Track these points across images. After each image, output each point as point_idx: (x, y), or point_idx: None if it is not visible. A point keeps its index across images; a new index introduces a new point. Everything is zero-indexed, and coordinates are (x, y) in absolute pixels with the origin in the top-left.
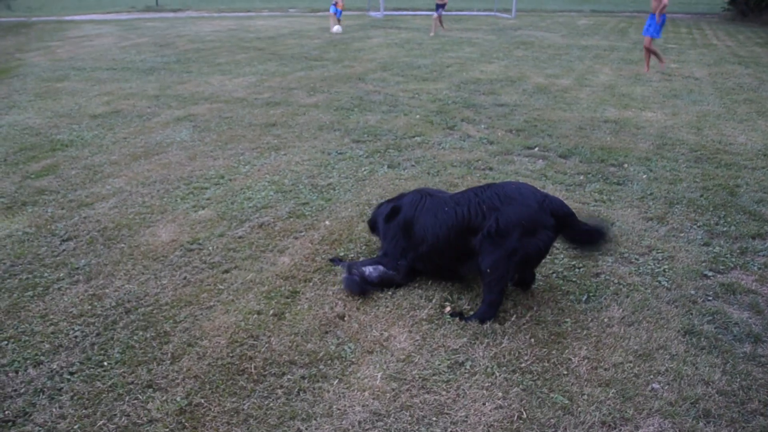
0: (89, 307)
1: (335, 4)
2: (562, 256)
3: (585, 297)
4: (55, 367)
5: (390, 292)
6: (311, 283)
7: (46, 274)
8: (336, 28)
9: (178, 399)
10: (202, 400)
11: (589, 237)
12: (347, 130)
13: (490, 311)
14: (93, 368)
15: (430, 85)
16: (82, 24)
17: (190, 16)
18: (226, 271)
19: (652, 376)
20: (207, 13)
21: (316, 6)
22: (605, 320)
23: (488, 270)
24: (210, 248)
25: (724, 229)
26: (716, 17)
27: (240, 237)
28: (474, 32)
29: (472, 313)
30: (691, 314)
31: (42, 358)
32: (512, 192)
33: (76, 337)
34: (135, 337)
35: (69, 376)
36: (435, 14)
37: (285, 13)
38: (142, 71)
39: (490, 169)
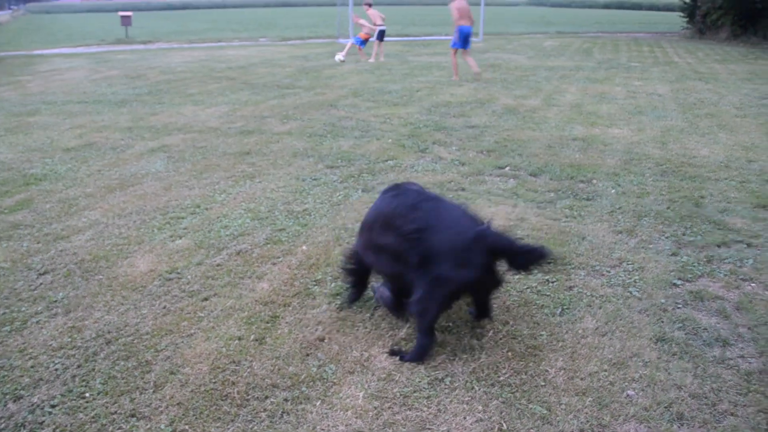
0: (69, 340)
1: (359, 36)
2: (535, 271)
3: (559, 310)
4: (35, 400)
5: (368, 314)
6: (290, 308)
7: (23, 308)
8: (338, 57)
9: (162, 427)
10: (187, 427)
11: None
12: (321, 156)
13: (419, 353)
14: (75, 400)
15: (401, 110)
16: (51, 58)
17: (161, 47)
18: (206, 299)
19: (626, 383)
20: (177, 44)
21: (286, 35)
22: (580, 331)
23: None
24: (188, 277)
25: (691, 239)
26: (676, 36)
27: (218, 265)
28: (443, 56)
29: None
30: (662, 322)
31: (22, 392)
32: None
33: (56, 369)
34: (116, 368)
35: (50, 409)
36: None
37: (255, 42)
38: (114, 103)
39: (463, 189)
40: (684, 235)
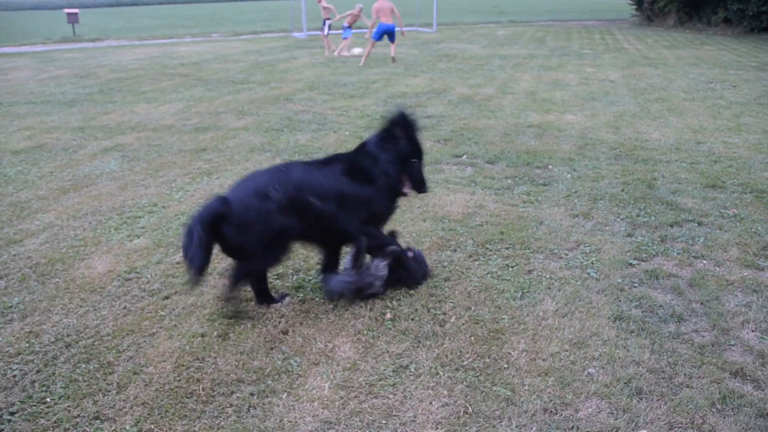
0: (26, 345)
1: (348, 27)
2: (495, 257)
3: (520, 294)
4: None
5: (331, 305)
6: (253, 302)
7: None
8: (356, 50)
9: (128, 427)
10: (152, 426)
11: None
12: (278, 150)
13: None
14: (35, 406)
15: (358, 102)
16: None
17: (110, 45)
18: (167, 297)
19: (587, 362)
20: (128, 41)
21: (239, 30)
22: (540, 314)
23: None
24: (148, 276)
25: (645, 219)
26: (625, 23)
27: (178, 263)
28: (397, 48)
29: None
30: (620, 301)
31: None
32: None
33: (14, 376)
34: (77, 371)
35: (9, 416)
36: (323, 33)
37: (208, 38)
38: (64, 104)
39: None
40: (638, 216)
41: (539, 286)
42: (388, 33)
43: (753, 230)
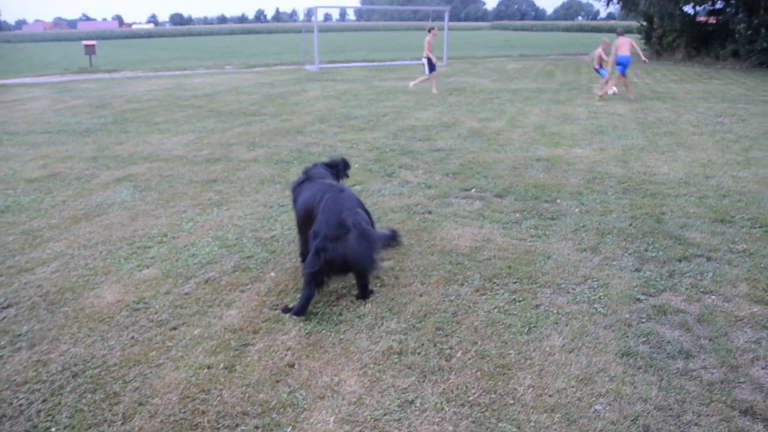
0: (34, 374)
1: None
2: (502, 291)
3: (527, 328)
4: None
5: (338, 337)
6: (260, 334)
7: None
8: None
9: None
10: None
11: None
12: (288, 182)
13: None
14: None
15: (368, 135)
16: (13, 88)
17: (126, 76)
18: (174, 328)
19: (594, 399)
20: (142, 72)
21: (251, 62)
22: (547, 349)
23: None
24: (156, 306)
25: (653, 254)
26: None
27: (186, 293)
28: (408, 81)
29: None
30: (627, 337)
31: None
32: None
33: (20, 405)
34: (83, 401)
35: None
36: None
37: (221, 70)
38: (79, 133)
39: (429, 212)
40: (646, 251)
41: (546, 321)
42: (624, 65)
43: (763, 265)
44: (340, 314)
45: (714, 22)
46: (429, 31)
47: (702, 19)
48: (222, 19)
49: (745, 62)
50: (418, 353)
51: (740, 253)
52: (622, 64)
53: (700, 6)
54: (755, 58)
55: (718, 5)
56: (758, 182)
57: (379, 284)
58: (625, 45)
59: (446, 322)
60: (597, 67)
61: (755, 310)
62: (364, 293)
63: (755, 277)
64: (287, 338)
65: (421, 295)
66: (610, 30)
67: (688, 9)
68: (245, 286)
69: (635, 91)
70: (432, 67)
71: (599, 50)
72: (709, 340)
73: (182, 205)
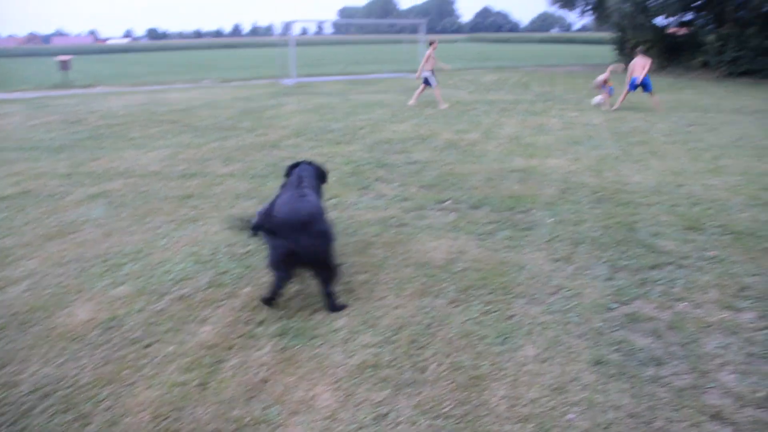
0: (2, 396)
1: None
2: (476, 303)
3: (501, 339)
4: None
5: (314, 351)
6: (234, 350)
7: None
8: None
9: None
10: None
11: None
12: (263, 197)
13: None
14: None
15: (344, 148)
16: None
17: (101, 91)
18: (148, 346)
19: (567, 407)
20: (118, 87)
21: (228, 76)
22: (521, 359)
23: None
24: (130, 324)
25: (626, 263)
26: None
27: (160, 310)
28: (384, 94)
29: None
30: (600, 345)
31: None
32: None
33: None
34: (54, 422)
35: None
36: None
37: (197, 84)
38: (53, 149)
39: (405, 225)
40: (619, 259)
41: (520, 332)
42: (641, 85)
43: (732, 272)
44: (315, 329)
45: (684, 33)
46: (430, 44)
47: (672, 30)
48: (198, 34)
49: (714, 72)
50: (393, 366)
51: (710, 260)
52: (642, 85)
53: (670, 18)
54: (724, 68)
55: (688, 17)
56: (727, 190)
57: (353, 298)
58: (640, 65)
59: (421, 335)
60: (604, 87)
61: (724, 315)
62: (331, 303)
63: (725, 283)
64: (261, 354)
65: (395, 308)
66: (584, 41)
67: (659, 20)
68: (220, 302)
69: (609, 101)
70: (430, 81)
71: (604, 76)
72: (680, 346)
73: (157, 221)
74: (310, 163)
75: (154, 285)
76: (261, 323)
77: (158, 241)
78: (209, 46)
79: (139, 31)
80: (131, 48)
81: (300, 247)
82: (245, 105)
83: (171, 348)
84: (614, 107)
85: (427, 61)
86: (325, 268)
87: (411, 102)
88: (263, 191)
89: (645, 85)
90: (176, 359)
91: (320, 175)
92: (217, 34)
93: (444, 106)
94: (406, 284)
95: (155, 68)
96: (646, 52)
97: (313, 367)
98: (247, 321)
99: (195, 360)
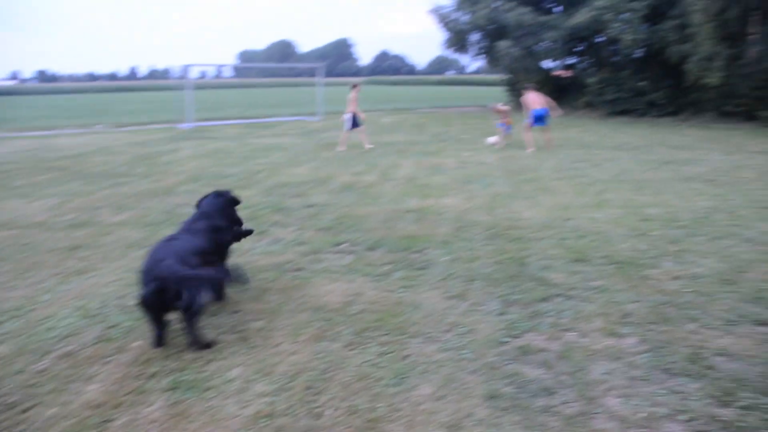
0: None
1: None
2: (372, 344)
3: (396, 380)
4: None
5: (207, 404)
6: (122, 408)
7: None
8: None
9: None
10: None
11: None
12: None
13: None
14: None
15: (240, 193)
16: None
17: None
18: (26, 410)
19: None
20: (4, 132)
21: (123, 121)
22: (416, 399)
23: None
24: (6, 388)
25: (517, 297)
26: None
27: (41, 370)
28: (283, 137)
29: None
30: (493, 379)
31: None
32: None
33: None
34: None
35: None
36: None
37: (90, 129)
38: None
39: (301, 269)
40: (511, 294)
41: (415, 371)
42: (541, 117)
43: (615, 300)
44: (209, 380)
45: (569, 75)
46: (353, 87)
47: (558, 73)
48: (91, 77)
49: (597, 112)
50: (288, 414)
51: (595, 290)
52: (540, 117)
53: (556, 61)
54: (605, 108)
55: (571, 61)
56: (610, 222)
57: (248, 346)
58: (537, 99)
59: (317, 380)
60: (502, 124)
61: (608, 342)
62: (192, 338)
63: (609, 311)
64: (152, 410)
65: (291, 354)
66: (479, 83)
67: (546, 64)
68: (108, 358)
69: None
70: (355, 123)
71: (503, 108)
72: (569, 375)
73: (41, 274)
74: (219, 194)
75: (35, 343)
76: (152, 377)
77: (41, 296)
78: (103, 90)
79: (27, 73)
80: (18, 90)
81: (153, 293)
82: (140, 150)
83: (53, 410)
84: (530, 149)
85: (350, 104)
86: (184, 312)
87: (366, 146)
88: (156, 239)
89: (542, 118)
90: (59, 422)
91: (227, 205)
92: (113, 77)
93: (341, 149)
94: (302, 329)
95: (45, 112)
96: (537, 89)
97: (206, 421)
98: (138, 376)
99: (80, 422)
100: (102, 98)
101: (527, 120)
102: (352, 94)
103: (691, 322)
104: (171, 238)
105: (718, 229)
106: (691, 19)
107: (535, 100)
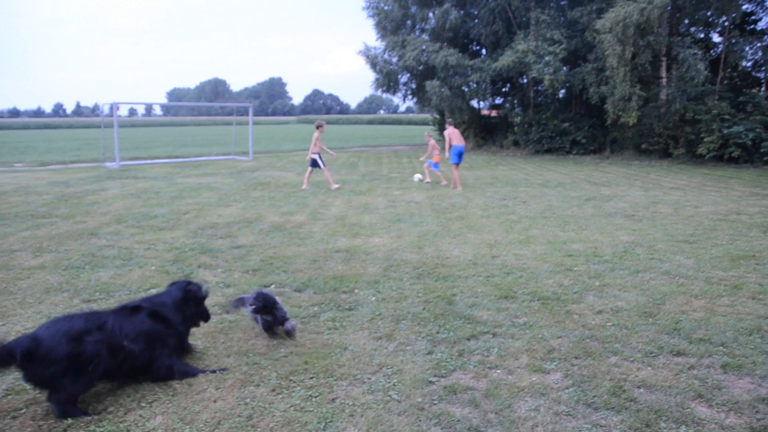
0: None
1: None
2: (299, 388)
3: (323, 425)
4: None
5: None
6: None
7: None
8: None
9: None
10: None
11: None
12: (77, 290)
13: None
14: None
15: (167, 234)
16: None
17: None
18: None
19: None
20: None
21: (46, 159)
22: None
23: None
24: None
25: (445, 335)
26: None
27: None
28: (213, 177)
29: None
30: (420, 421)
31: None
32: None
33: None
34: None
35: None
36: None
37: (9, 168)
38: None
39: (227, 312)
40: (438, 333)
41: (342, 415)
42: (461, 154)
43: (540, 336)
44: (128, 430)
45: (497, 115)
46: (317, 127)
47: (486, 112)
48: (14, 113)
49: (524, 150)
50: None
51: (521, 326)
52: (461, 154)
53: (484, 101)
54: (531, 146)
55: (498, 101)
56: (536, 259)
57: (171, 393)
58: (456, 135)
59: (241, 427)
60: (431, 161)
61: (534, 379)
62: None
63: (534, 347)
64: None
65: (215, 401)
66: (410, 122)
67: (474, 103)
68: (18, 412)
69: (431, 179)
70: (318, 163)
71: (432, 142)
72: (495, 413)
73: None
74: (187, 284)
75: None
76: (65, 430)
77: None
78: (26, 126)
79: None
80: None
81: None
82: (63, 190)
83: None
84: (458, 188)
85: (314, 144)
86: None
87: (304, 186)
88: (77, 283)
89: (461, 155)
90: None
91: (185, 300)
92: (37, 113)
93: (335, 186)
94: (227, 375)
95: None
96: (455, 125)
97: None
98: (50, 430)
99: None
100: (25, 135)
101: (451, 158)
102: (316, 134)
103: (613, 355)
104: (68, 317)
105: (637, 263)
106: (607, 62)
107: (455, 136)
